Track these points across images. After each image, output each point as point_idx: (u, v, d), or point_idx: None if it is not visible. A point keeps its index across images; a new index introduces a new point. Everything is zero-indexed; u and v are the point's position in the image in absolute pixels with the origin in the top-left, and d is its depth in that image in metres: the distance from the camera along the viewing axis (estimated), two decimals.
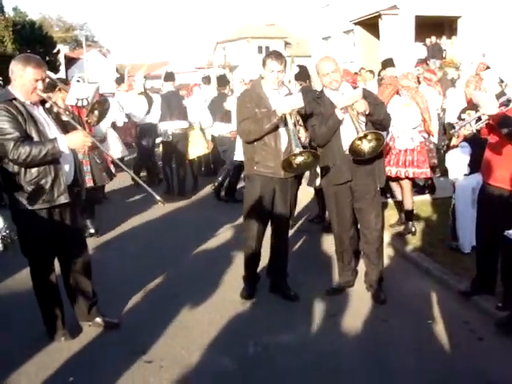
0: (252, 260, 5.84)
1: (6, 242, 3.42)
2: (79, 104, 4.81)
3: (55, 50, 48.21)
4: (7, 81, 4.61)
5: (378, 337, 5.01)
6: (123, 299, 5.78)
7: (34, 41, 42.51)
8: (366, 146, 5.22)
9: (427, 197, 9.43)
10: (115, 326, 5.16)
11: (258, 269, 5.96)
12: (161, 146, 11.75)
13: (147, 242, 7.98)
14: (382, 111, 5.50)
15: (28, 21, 47.29)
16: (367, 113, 5.31)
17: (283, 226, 5.86)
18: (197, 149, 11.50)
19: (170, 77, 11.46)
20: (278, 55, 5.44)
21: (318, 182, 8.46)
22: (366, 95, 5.44)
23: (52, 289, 4.82)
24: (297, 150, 5.10)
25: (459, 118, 6.58)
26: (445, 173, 10.38)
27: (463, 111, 6.72)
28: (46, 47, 43.71)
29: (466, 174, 6.52)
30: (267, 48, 53.57)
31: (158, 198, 4.66)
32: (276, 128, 5.36)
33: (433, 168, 8.80)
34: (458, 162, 6.66)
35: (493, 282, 5.53)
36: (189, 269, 6.75)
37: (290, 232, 8.03)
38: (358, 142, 5.20)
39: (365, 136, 5.19)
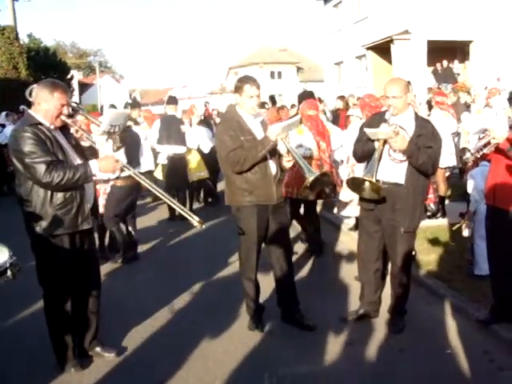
0: (253, 291, 5.71)
1: (14, 270, 3.37)
2: (111, 130, 4.77)
3: (69, 76, 48.64)
4: (28, 105, 4.61)
5: (396, 367, 4.89)
6: (135, 328, 5.70)
7: (49, 67, 42.96)
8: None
9: (444, 222, 9.33)
10: (117, 354, 5.07)
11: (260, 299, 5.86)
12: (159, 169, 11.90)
13: (158, 269, 7.92)
14: (421, 157, 5.15)
15: (42, 47, 47.94)
16: (403, 153, 5.20)
17: (285, 253, 5.72)
18: (198, 172, 11.62)
19: (172, 100, 11.53)
20: (254, 80, 5.36)
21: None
22: (422, 134, 5.23)
23: (66, 318, 4.74)
24: (312, 176, 5.10)
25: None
26: (458, 197, 10.39)
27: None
28: (59, 73, 44.10)
29: None
30: (279, 73, 54.02)
31: (196, 219, 4.62)
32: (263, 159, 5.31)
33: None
34: (477, 181, 6.54)
35: None
36: (202, 297, 6.66)
37: (301, 257, 8.02)
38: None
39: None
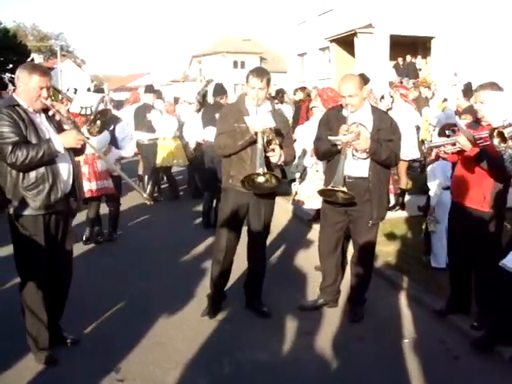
0: (218, 276, 5.65)
1: None
2: (82, 112, 4.83)
3: (29, 59, 47.76)
4: None
5: (353, 356, 4.95)
6: (95, 315, 5.64)
7: (8, 49, 42.14)
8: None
9: (403, 214, 9.45)
10: (74, 342, 5.03)
11: (227, 287, 5.85)
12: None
13: (122, 254, 7.85)
14: (384, 153, 5.23)
15: (2, 29, 46.91)
16: (367, 152, 5.24)
17: (259, 242, 5.75)
18: (168, 158, 11.60)
19: (149, 89, 11.92)
20: (260, 72, 5.39)
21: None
22: (382, 128, 5.31)
23: (41, 305, 4.65)
24: (260, 170, 5.04)
25: (443, 134, 6.56)
26: (417, 190, 10.52)
27: (447, 127, 6.69)
28: (19, 56, 43.29)
29: (449, 187, 6.50)
30: (242, 63, 53.88)
31: (145, 196, 4.94)
32: (252, 144, 5.26)
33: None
34: (438, 176, 6.66)
35: (467, 302, 5.53)
36: (163, 285, 6.61)
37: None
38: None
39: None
